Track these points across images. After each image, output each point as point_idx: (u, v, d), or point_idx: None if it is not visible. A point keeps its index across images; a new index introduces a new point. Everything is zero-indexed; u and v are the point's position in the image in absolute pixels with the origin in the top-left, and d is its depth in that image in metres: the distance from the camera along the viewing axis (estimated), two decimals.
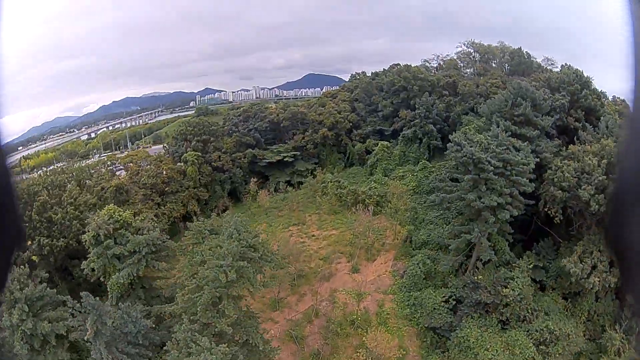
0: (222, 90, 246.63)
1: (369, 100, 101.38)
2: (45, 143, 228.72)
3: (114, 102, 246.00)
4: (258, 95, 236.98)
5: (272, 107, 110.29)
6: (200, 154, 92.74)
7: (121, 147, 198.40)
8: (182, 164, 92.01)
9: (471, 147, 47.63)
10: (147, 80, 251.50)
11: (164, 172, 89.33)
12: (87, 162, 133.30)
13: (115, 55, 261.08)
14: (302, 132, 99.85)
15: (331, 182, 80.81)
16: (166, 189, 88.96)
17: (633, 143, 2.19)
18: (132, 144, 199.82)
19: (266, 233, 74.45)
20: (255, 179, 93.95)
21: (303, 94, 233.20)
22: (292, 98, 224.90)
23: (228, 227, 44.18)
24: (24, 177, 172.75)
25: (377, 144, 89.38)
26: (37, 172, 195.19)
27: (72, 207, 62.15)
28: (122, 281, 45.79)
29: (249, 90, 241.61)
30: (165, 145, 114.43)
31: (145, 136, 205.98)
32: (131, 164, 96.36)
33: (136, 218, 53.13)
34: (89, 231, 47.17)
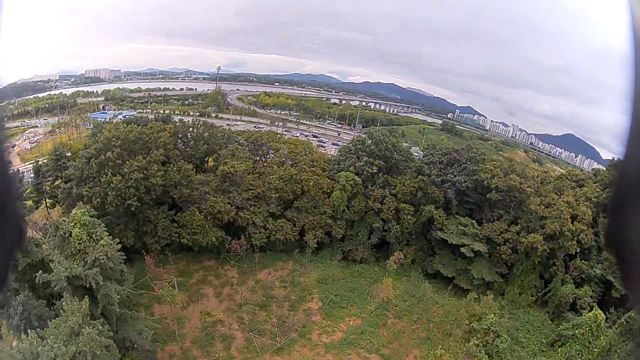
0: (482, 115, 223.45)
1: None
2: (299, 90, 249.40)
3: (379, 82, 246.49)
4: (513, 135, 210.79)
5: (492, 161, 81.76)
6: (361, 181, 72.74)
7: (351, 125, 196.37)
8: (335, 182, 73.82)
9: None
10: (417, 76, 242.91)
11: (304, 181, 72.08)
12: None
13: (391, 42, 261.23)
14: (510, 221, 70.53)
15: (485, 331, 52.16)
16: (294, 201, 72.48)
17: (634, 143, 2.25)
18: (363, 127, 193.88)
19: (347, 338, 55.20)
20: (404, 254, 70.22)
21: (557, 154, 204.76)
22: (545, 153, 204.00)
23: None
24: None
25: (592, 308, 55.04)
26: (268, 110, 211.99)
27: (119, 178, 58.48)
28: None
29: (508, 127, 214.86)
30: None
31: (379, 125, 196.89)
32: (286, 151, 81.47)
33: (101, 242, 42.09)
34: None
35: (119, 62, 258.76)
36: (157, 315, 53.11)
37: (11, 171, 2.43)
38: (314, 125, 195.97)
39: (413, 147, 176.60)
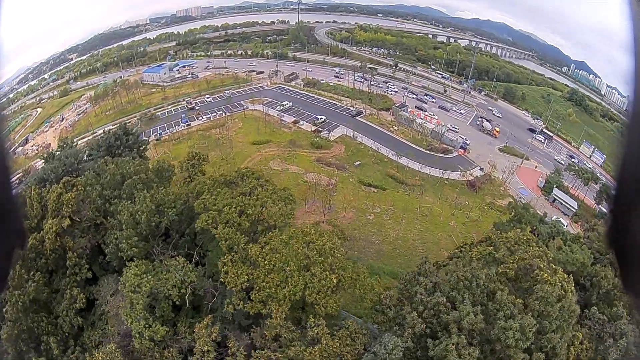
0: (598, 76, 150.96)
1: None
2: (401, 24, 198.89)
3: (489, 20, 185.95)
4: (627, 110, 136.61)
5: None
6: None
7: (462, 77, 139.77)
8: None
9: None
10: (529, 17, 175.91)
11: None
12: None
13: None
14: None
15: None
16: None
17: (634, 142, 2.16)
18: (476, 80, 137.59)
19: None
20: None
21: None
22: None
23: None
24: None
25: None
26: (362, 49, 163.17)
27: None
28: None
29: (623, 97, 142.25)
30: None
31: (495, 79, 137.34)
32: None
33: None
34: None
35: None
36: None
37: (12, 173, 2.26)
38: (415, 73, 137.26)
39: (535, 120, 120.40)
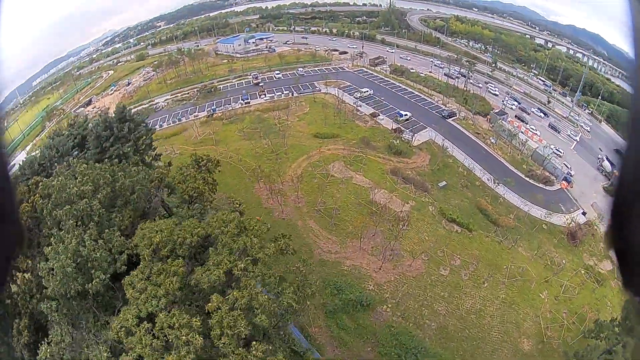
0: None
1: None
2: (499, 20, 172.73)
3: (584, 29, 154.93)
4: None
5: None
6: None
7: (565, 88, 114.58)
8: None
9: None
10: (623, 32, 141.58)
11: None
12: None
13: None
14: None
15: None
16: None
17: (634, 141, 2.10)
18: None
19: None
20: None
21: None
22: None
23: None
24: None
25: None
26: (458, 40, 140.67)
27: None
28: None
29: None
30: None
31: (599, 97, 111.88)
32: None
33: None
34: None
35: None
36: None
37: (10, 175, 2.19)
38: (515, 76, 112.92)
39: None
